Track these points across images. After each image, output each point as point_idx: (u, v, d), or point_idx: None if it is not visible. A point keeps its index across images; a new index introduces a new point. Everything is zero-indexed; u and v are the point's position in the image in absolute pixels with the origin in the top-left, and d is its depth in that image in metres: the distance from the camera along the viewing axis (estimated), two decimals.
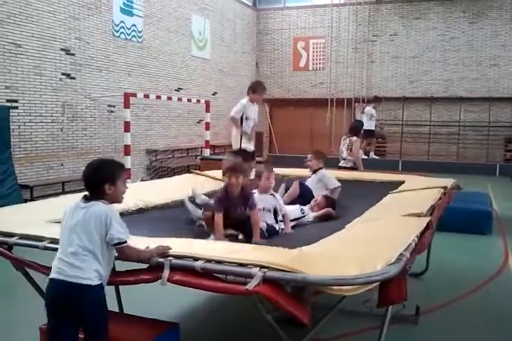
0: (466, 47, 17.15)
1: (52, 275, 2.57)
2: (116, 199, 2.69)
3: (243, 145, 6.69)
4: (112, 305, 3.68)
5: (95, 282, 2.52)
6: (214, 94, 16.30)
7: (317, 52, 18.82)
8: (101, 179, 2.61)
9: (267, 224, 3.85)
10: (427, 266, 5.23)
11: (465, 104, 17.16)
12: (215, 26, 16.40)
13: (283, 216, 4.00)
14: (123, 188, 2.70)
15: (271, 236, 3.76)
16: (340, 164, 7.99)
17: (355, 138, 7.96)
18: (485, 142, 16.77)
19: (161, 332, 2.89)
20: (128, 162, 9.88)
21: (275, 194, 4.15)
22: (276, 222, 3.98)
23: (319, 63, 18.81)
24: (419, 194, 4.55)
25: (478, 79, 17.09)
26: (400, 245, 2.57)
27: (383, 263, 2.28)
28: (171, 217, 4.11)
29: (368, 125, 13.75)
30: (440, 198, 4.33)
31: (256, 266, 2.27)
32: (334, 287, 2.20)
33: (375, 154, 14.91)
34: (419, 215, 3.39)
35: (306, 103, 18.80)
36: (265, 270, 2.23)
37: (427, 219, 3.31)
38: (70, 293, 2.50)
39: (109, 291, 3.73)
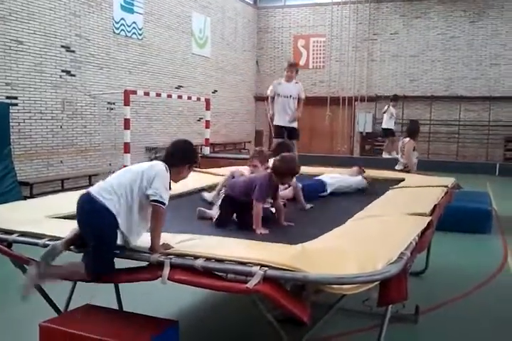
0: (467, 46, 17.14)
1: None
2: (176, 179, 2.85)
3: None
4: (112, 303, 3.69)
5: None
6: (214, 92, 16.30)
7: (317, 50, 18.80)
8: (188, 158, 2.86)
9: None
10: (427, 264, 5.22)
11: (465, 103, 17.16)
12: (216, 24, 16.38)
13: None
14: (187, 176, 2.91)
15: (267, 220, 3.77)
16: (395, 167, 7.62)
17: (407, 139, 7.56)
18: (485, 141, 16.78)
19: (160, 330, 2.87)
20: (128, 159, 9.88)
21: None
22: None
23: (319, 61, 18.80)
24: (421, 192, 4.54)
25: (479, 79, 17.08)
26: (400, 244, 2.57)
27: (384, 262, 2.27)
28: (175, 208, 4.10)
29: (388, 124, 13.76)
30: (442, 197, 4.33)
31: (256, 264, 2.26)
32: (335, 286, 2.19)
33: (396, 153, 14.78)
34: (421, 214, 3.38)
35: (306, 101, 18.75)
36: (266, 268, 2.23)
37: (428, 218, 3.31)
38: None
39: (109, 289, 3.75)
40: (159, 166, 2.72)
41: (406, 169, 7.47)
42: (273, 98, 6.93)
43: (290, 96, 6.68)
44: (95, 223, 2.64)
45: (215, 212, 3.90)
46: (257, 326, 3.77)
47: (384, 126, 13.85)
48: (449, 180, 5.34)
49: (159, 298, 4.40)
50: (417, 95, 17.53)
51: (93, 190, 2.72)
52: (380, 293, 2.35)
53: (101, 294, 3.68)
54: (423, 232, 3.03)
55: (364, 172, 5.63)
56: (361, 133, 18.31)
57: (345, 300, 3.58)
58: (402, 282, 2.35)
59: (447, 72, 17.44)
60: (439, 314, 4.38)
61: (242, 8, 18.25)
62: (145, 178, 2.66)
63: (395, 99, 14.02)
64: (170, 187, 2.76)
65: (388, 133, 13.93)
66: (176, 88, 14.19)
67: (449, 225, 7.01)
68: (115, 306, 3.74)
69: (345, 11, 18.21)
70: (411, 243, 2.64)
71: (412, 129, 7.79)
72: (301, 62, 18.97)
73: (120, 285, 3.81)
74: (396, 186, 5.10)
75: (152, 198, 2.62)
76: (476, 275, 5.42)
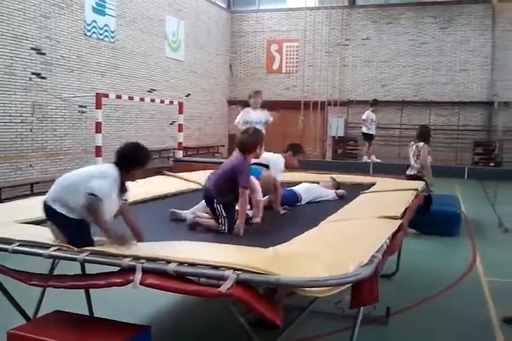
0: (437, 52, 17.47)
1: None
2: (131, 179, 3.11)
3: None
4: (82, 309, 3.64)
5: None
6: (187, 95, 16.24)
7: (290, 55, 18.92)
8: (137, 161, 3.13)
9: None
10: (398, 267, 5.30)
11: (435, 108, 17.47)
12: (189, 28, 16.34)
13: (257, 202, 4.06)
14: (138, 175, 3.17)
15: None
16: (407, 172, 7.61)
17: (421, 143, 7.51)
18: (454, 145, 17.09)
19: (132, 335, 2.85)
20: (99, 163, 9.75)
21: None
22: (250, 208, 4.05)
23: (292, 66, 18.91)
24: (392, 196, 4.61)
25: (448, 84, 17.42)
26: (372, 247, 2.60)
27: (356, 264, 2.30)
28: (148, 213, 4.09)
29: (369, 129, 13.85)
30: (412, 200, 4.40)
31: (229, 268, 2.26)
32: (307, 288, 2.20)
33: (376, 157, 14.86)
34: (392, 217, 3.43)
35: (279, 105, 18.86)
36: (238, 272, 2.23)
37: (399, 221, 3.36)
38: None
39: (79, 295, 3.70)
40: (106, 168, 3.03)
41: (419, 174, 7.40)
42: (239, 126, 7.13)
43: (260, 122, 6.92)
44: (58, 225, 2.91)
45: (189, 212, 3.92)
46: (230, 330, 3.76)
47: (364, 130, 13.95)
48: (419, 184, 5.43)
49: (131, 303, 4.35)
50: (388, 100, 17.76)
51: (47, 197, 2.95)
52: (352, 295, 2.37)
53: (71, 300, 3.63)
54: (394, 235, 3.08)
55: (339, 187, 5.56)
56: (333, 137, 18.47)
57: (318, 302, 3.61)
58: (373, 284, 2.37)
59: (417, 78, 17.74)
60: (409, 315, 4.45)
61: (215, 12, 18.25)
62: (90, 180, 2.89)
63: (374, 103, 14.14)
64: (126, 189, 3.07)
65: (369, 137, 14.04)
66: (149, 91, 14.09)
67: (419, 228, 7.15)
68: (86, 312, 3.69)
69: (318, 16, 18.37)
70: (382, 246, 2.68)
71: (425, 133, 7.76)
72: (275, 67, 19.07)
73: (91, 290, 3.76)
74: (367, 190, 5.16)
75: (87, 192, 2.81)
76: (445, 277, 5.52)
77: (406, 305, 4.62)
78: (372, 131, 14.00)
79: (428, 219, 6.94)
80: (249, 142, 3.86)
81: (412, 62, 17.74)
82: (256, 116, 6.94)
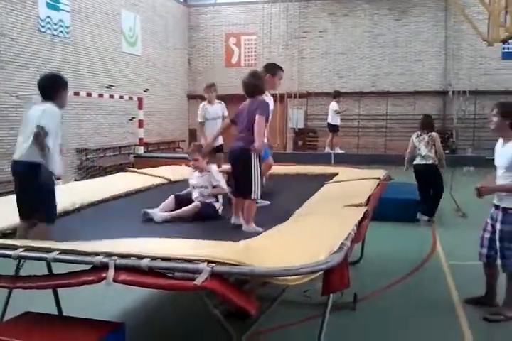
0: (392, 43, 17.82)
1: None
2: (62, 105, 3.57)
3: None
4: (49, 308, 3.59)
5: None
6: (146, 90, 16.06)
7: (249, 48, 18.92)
8: (59, 85, 3.57)
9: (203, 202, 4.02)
10: (362, 254, 5.42)
11: (391, 98, 17.84)
12: (146, 22, 16.14)
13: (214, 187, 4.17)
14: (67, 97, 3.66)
15: (209, 215, 3.85)
16: (417, 162, 7.65)
17: (435, 133, 7.64)
18: (411, 134, 17.43)
19: (105, 333, 2.84)
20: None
21: (212, 170, 4.27)
22: (217, 200, 4.10)
23: (251, 59, 18.92)
24: (356, 185, 4.73)
25: (404, 74, 17.80)
26: (341, 234, 2.68)
27: (326, 252, 2.37)
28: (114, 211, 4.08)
29: (334, 120, 13.95)
30: (375, 188, 4.52)
31: (203, 261, 2.29)
32: (280, 277, 2.26)
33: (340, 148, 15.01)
34: (357, 205, 3.53)
35: (240, 99, 18.85)
36: (212, 264, 2.26)
37: (364, 209, 3.45)
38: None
39: (47, 294, 3.66)
40: (45, 106, 3.45)
41: (436, 163, 7.54)
42: (202, 123, 7.05)
43: (218, 117, 6.88)
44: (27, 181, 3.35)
45: (158, 210, 3.93)
46: (204, 321, 3.80)
47: (330, 121, 14.06)
48: (381, 172, 5.57)
49: (103, 301, 4.33)
50: (345, 91, 17.98)
51: (15, 157, 3.42)
52: (324, 282, 2.44)
53: (40, 301, 3.59)
54: (360, 222, 3.17)
55: None
56: (293, 129, 18.62)
57: (288, 292, 3.69)
58: (344, 270, 2.45)
59: (374, 69, 18.06)
60: (375, 300, 4.58)
61: (172, 5, 18.06)
62: (37, 119, 3.35)
63: (337, 95, 14.27)
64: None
65: (334, 128, 14.18)
66: (107, 87, 13.86)
67: (380, 215, 7.31)
68: (54, 312, 3.65)
69: (275, 10, 18.42)
70: (350, 233, 2.76)
71: (432, 123, 7.93)
72: (234, 60, 19.05)
73: (61, 289, 3.72)
74: (331, 180, 5.26)
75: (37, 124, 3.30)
76: (408, 261, 5.69)
77: (372, 290, 4.75)
78: (337, 122, 14.14)
79: (388, 206, 7.11)
80: (256, 84, 3.87)
81: (368, 53, 18.03)
82: (212, 111, 6.88)
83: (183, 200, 4.13)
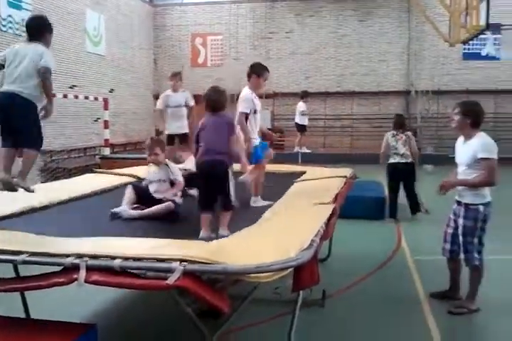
0: (357, 43, 18.09)
1: None
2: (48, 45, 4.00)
3: None
4: (18, 312, 3.54)
5: None
6: (111, 91, 15.87)
7: (215, 48, 18.91)
8: (47, 27, 4.02)
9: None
10: (330, 252, 5.51)
11: (357, 98, 18.11)
12: (110, 22, 15.95)
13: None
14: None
15: (179, 214, 3.94)
16: (396, 161, 7.77)
17: (410, 132, 7.87)
18: (375, 133, 17.75)
19: (77, 335, 2.82)
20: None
21: (169, 164, 4.29)
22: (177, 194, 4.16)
23: (218, 60, 18.92)
24: (323, 183, 4.80)
25: (368, 75, 18.09)
26: (310, 232, 2.74)
27: (297, 249, 2.42)
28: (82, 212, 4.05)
29: (301, 120, 14.02)
30: (342, 187, 4.60)
31: (175, 260, 2.31)
32: (252, 275, 2.29)
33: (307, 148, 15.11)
34: (326, 203, 3.59)
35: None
36: (185, 263, 2.28)
37: (332, 206, 3.52)
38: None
39: (13, 296, 3.60)
40: (39, 47, 3.81)
41: (413, 161, 7.82)
42: (162, 111, 7.09)
43: (179, 105, 6.88)
44: (20, 111, 3.72)
45: (125, 207, 3.91)
46: (176, 321, 3.80)
47: (297, 121, 14.16)
48: (347, 171, 5.67)
49: (73, 302, 4.29)
50: (312, 91, 18.16)
51: (9, 89, 3.70)
52: (295, 279, 2.49)
53: (5, 303, 3.54)
54: (328, 220, 3.24)
55: None
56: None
57: (257, 290, 3.72)
58: (314, 267, 2.50)
59: (339, 69, 18.29)
60: (343, 297, 4.66)
61: (136, 5, 17.89)
62: (36, 57, 3.72)
63: (305, 95, 14.38)
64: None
65: (302, 128, 14.28)
66: (70, 88, 13.63)
67: (346, 213, 7.42)
68: (22, 315, 3.60)
69: (241, 10, 18.46)
70: (319, 230, 2.82)
71: (404, 123, 8.22)
72: (200, 60, 19.00)
73: (28, 291, 3.67)
74: (299, 179, 5.33)
75: (42, 66, 3.71)
76: (375, 258, 5.81)
77: (340, 287, 4.84)
78: (305, 122, 14.26)
79: (354, 204, 7.23)
80: (219, 100, 3.83)
81: (334, 53, 18.26)
82: (174, 99, 6.89)
83: (142, 192, 4.10)
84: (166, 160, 4.37)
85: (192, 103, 7.12)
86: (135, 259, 2.40)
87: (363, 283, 5.02)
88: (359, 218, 7.51)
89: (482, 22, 10.71)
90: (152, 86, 19.13)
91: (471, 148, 4.10)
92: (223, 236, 3.65)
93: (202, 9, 19.03)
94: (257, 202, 4.54)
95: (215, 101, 3.80)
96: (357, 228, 7.24)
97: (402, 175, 7.87)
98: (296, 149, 14.63)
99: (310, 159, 13.20)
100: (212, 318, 3.17)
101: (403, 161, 7.78)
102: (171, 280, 2.22)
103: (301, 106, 14.00)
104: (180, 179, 4.22)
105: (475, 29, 11.22)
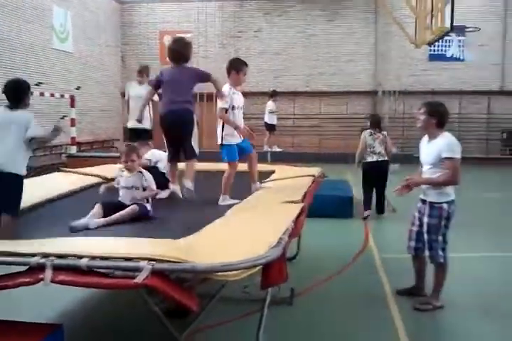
0: (325, 43, 18.25)
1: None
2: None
3: None
4: None
5: None
6: (78, 88, 15.61)
7: None
8: (26, 93, 4.14)
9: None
10: (298, 250, 5.55)
11: (325, 98, 18.27)
12: (77, 18, 15.71)
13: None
14: None
15: (145, 215, 3.91)
16: (373, 159, 7.93)
17: (385, 132, 8.08)
18: (343, 133, 18.00)
19: (43, 335, 2.79)
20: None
21: (143, 171, 4.23)
22: (148, 201, 4.08)
23: None
24: (292, 182, 4.84)
25: (336, 74, 18.27)
26: (278, 230, 2.76)
27: (265, 247, 2.44)
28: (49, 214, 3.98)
29: (270, 119, 14.03)
30: (310, 186, 4.65)
31: (143, 259, 2.30)
32: (221, 273, 2.30)
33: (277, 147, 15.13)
34: (294, 202, 3.63)
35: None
36: (153, 262, 2.28)
37: (301, 205, 3.56)
38: None
39: None
40: (22, 115, 3.96)
41: (388, 159, 8.05)
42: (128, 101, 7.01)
43: (141, 97, 6.78)
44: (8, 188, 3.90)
45: (86, 220, 3.80)
46: (145, 320, 3.78)
47: (267, 120, 14.19)
48: (316, 170, 5.72)
49: (39, 302, 4.22)
50: (280, 91, 18.22)
51: None
52: (263, 277, 2.51)
53: None
54: (297, 218, 3.27)
55: None
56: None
57: (226, 288, 3.73)
58: (282, 265, 2.53)
59: (308, 69, 18.42)
60: (312, 295, 4.71)
61: (103, 1, 17.65)
62: (23, 126, 3.84)
63: (274, 94, 14.41)
64: None
65: (271, 127, 14.31)
66: (36, 85, 13.33)
67: (315, 212, 7.49)
68: None
69: (210, 8, 18.40)
70: (287, 228, 2.84)
71: (380, 122, 8.34)
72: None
73: None
74: (269, 178, 5.35)
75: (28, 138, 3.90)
76: (343, 256, 5.88)
77: (308, 285, 4.88)
78: (274, 121, 14.30)
79: (322, 203, 7.31)
80: (181, 51, 4.10)
81: (302, 53, 18.37)
82: (139, 90, 6.79)
83: (111, 206, 4.00)
84: (140, 167, 4.30)
85: (156, 98, 7.04)
86: (102, 258, 2.38)
87: (331, 281, 5.07)
88: (328, 217, 7.59)
89: (447, 24, 10.93)
90: (120, 83, 18.89)
91: (435, 148, 4.20)
92: (189, 187, 3.78)
93: (170, 6, 18.89)
94: (225, 200, 4.56)
95: (176, 51, 4.04)
96: (326, 227, 7.32)
97: (378, 173, 8.03)
98: (266, 148, 14.68)
99: (280, 158, 13.26)
100: (181, 317, 3.17)
101: (381, 159, 7.98)
102: (139, 279, 2.21)
103: (269, 105, 14.04)
104: (154, 187, 4.16)
105: (440, 31, 11.44)
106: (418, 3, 13.03)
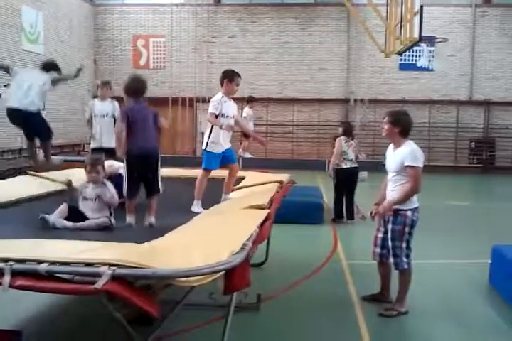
0: (298, 51, 18.41)
1: None
2: None
3: None
4: None
5: None
6: (6, 85, 15.33)
7: (158, 51, 18.74)
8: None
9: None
10: (267, 256, 5.56)
11: (298, 105, 18.41)
12: (49, 20, 15.50)
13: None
14: None
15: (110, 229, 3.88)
16: (347, 166, 8.13)
17: (356, 140, 8.39)
18: (315, 140, 18.16)
19: None
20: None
21: (106, 183, 4.20)
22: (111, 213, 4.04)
23: (160, 62, 18.75)
24: (259, 188, 4.86)
25: (309, 82, 18.43)
26: (243, 235, 2.76)
27: (228, 252, 2.43)
28: (13, 218, 3.90)
29: (247, 125, 13.97)
30: (277, 191, 4.66)
31: (104, 264, 2.27)
32: (183, 279, 2.29)
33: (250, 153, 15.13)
34: (260, 207, 3.64)
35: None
36: (114, 268, 2.24)
37: (267, 210, 3.57)
38: None
39: None
40: (42, 75, 5.97)
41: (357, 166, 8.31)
42: (89, 121, 6.90)
43: (106, 114, 6.65)
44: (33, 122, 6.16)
45: (55, 218, 3.78)
46: (105, 326, 3.73)
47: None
48: (284, 176, 5.75)
49: None
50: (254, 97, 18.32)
51: (20, 106, 6.06)
52: (226, 282, 2.50)
53: None
54: (262, 224, 3.27)
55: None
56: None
57: (192, 294, 3.71)
58: (245, 270, 2.52)
59: (281, 76, 18.54)
60: (279, 301, 4.72)
61: (77, 4, 17.47)
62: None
63: (250, 100, 14.42)
64: None
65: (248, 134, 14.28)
66: (5, 86, 13.10)
67: (285, 218, 7.53)
68: None
69: (184, 13, 18.39)
70: (252, 234, 2.85)
71: (352, 129, 8.71)
72: (142, 62, 18.78)
73: None
74: (237, 186, 5.34)
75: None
76: (311, 262, 5.91)
77: (276, 291, 4.89)
78: (251, 127, 14.29)
79: (292, 209, 7.35)
80: (141, 88, 4.23)
81: (275, 60, 18.50)
82: (101, 108, 6.68)
83: (76, 210, 3.98)
84: (104, 179, 4.25)
85: (117, 114, 6.88)
86: (62, 263, 2.34)
87: (298, 287, 5.10)
88: (298, 223, 7.63)
89: (415, 34, 11.14)
90: (92, 86, 18.70)
91: (399, 156, 4.26)
92: (152, 222, 3.82)
93: (144, 10, 18.83)
94: (198, 206, 4.63)
95: (140, 89, 4.23)
96: (295, 233, 7.35)
97: (351, 180, 8.26)
98: (240, 153, 14.68)
99: (251, 164, 13.27)
100: (147, 324, 3.14)
101: (354, 166, 8.25)
102: (99, 284, 2.18)
103: (246, 111, 14.07)
104: (117, 198, 4.13)
105: (409, 41, 11.66)
106: (388, 13, 13.27)
